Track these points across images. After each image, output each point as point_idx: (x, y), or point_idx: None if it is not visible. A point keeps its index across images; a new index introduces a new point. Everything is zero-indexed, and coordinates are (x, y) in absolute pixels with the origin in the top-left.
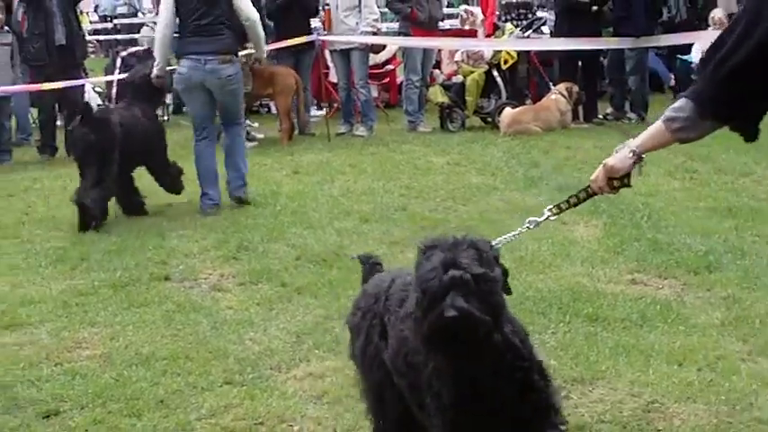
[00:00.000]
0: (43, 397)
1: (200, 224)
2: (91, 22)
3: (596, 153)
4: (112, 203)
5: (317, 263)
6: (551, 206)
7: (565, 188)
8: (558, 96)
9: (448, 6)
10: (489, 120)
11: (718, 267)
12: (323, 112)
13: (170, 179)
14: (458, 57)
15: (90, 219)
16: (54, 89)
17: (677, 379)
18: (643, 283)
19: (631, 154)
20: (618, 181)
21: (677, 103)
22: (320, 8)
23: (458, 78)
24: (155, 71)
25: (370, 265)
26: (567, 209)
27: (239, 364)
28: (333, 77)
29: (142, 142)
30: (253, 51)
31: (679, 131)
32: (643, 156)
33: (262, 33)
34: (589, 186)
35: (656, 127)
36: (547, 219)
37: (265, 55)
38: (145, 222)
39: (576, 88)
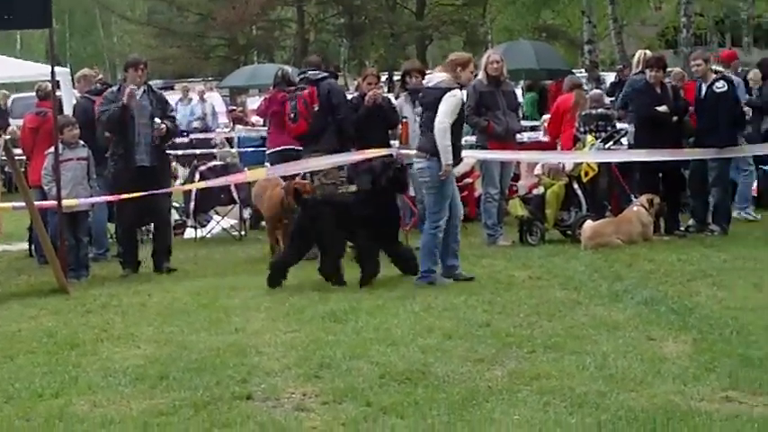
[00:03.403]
0: None
1: (280, 341)
2: None
3: (680, 266)
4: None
5: (402, 381)
6: None
7: (651, 302)
8: (639, 208)
9: (524, 118)
10: (570, 233)
11: None
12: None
13: None
14: (538, 170)
15: None
16: (137, 205)
17: None
18: (737, 401)
19: None
20: None
21: None
22: (399, 121)
23: (538, 191)
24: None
25: None
26: None
27: None
28: (411, 191)
29: None
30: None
31: None
32: None
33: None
34: None
35: None
36: None
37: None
38: (224, 340)
39: (657, 200)
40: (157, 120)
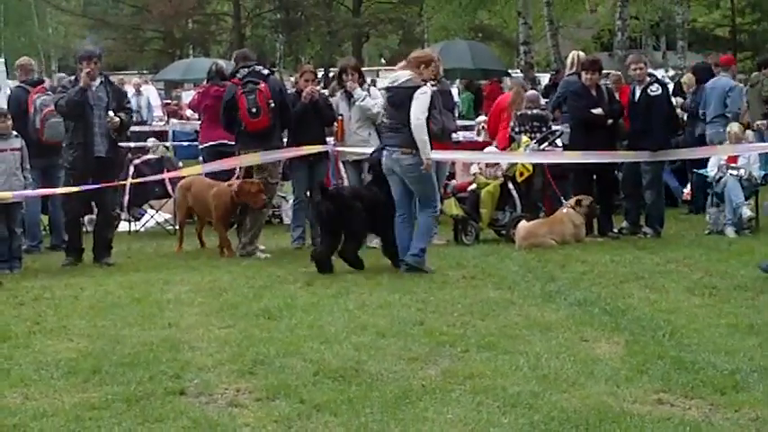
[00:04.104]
0: None
1: (214, 337)
2: None
3: (613, 268)
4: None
5: (336, 379)
6: None
7: (584, 303)
8: (569, 210)
9: (461, 118)
10: (504, 233)
11: (745, 387)
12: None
13: None
14: (474, 169)
15: None
16: (87, 195)
17: None
18: (670, 404)
19: None
20: None
21: None
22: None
23: (472, 188)
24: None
25: None
26: None
27: None
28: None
29: None
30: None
31: None
32: None
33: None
34: None
35: None
36: None
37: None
38: (157, 334)
39: (587, 201)
40: (110, 113)
